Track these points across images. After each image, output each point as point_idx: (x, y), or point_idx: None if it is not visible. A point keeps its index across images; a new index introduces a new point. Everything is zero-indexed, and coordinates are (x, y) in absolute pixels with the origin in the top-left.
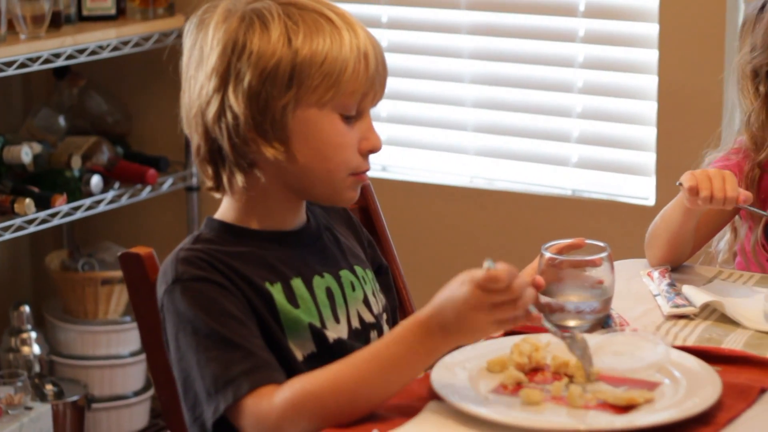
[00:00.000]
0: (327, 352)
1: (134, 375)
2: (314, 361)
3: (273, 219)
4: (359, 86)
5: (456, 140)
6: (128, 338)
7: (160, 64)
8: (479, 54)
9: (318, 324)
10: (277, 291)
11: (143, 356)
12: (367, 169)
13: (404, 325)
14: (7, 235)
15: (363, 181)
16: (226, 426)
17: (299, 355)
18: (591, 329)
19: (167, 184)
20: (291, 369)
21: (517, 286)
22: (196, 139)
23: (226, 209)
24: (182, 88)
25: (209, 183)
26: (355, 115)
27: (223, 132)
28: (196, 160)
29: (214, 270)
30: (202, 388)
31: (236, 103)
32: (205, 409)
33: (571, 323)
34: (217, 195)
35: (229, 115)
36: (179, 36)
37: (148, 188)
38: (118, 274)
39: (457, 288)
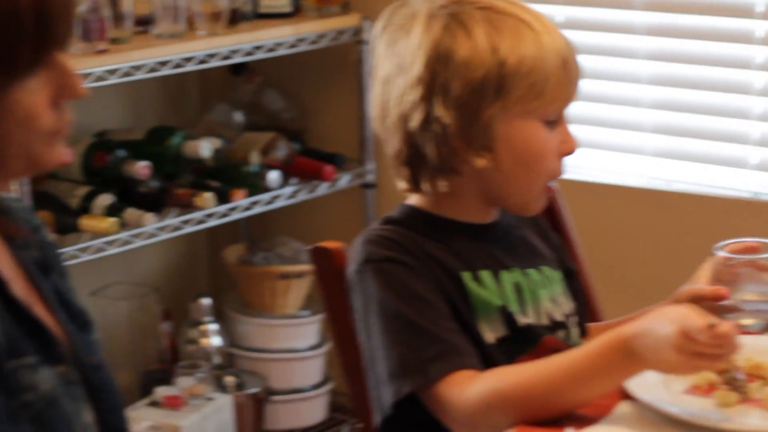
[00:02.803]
0: (518, 335)
1: (312, 368)
2: (506, 345)
3: (465, 212)
4: (562, 92)
5: (634, 141)
6: (307, 332)
7: (336, 62)
8: (656, 55)
9: (508, 309)
10: (466, 276)
11: (322, 350)
12: (562, 173)
13: (605, 339)
14: (188, 229)
15: (550, 189)
16: (408, 410)
17: (491, 337)
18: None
19: (344, 180)
20: (482, 351)
21: (726, 343)
22: (395, 144)
23: (418, 198)
24: (373, 89)
25: (405, 185)
26: (555, 119)
27: (428, 140)
28: (395, 163)
29: (405, 251)
30: (384, 369)
31: (443, 113)
32: (384, 390)
33: (747, 322)
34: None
35: (435, 125)
36: (355, 34)
37: (325, 184)
38: (296, 268)
39: (664, 324)
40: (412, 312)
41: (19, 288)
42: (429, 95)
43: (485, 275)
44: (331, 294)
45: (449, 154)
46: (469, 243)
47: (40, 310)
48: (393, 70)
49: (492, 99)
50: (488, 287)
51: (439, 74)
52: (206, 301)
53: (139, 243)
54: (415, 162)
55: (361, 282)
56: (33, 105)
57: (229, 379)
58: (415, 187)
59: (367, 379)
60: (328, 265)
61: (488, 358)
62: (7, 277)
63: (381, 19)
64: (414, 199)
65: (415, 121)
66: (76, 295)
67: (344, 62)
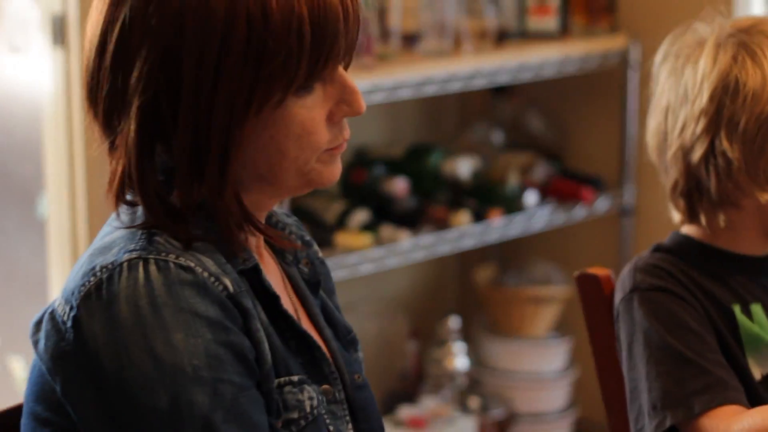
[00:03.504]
0: None
1: (558, 393)
2: None
3: (741, 244)
4: None
5: None
6: (554, 356)
7: (599, 83)
8: None
9: None
10: (736, 309)
11: (569, 375)
12: None
13: None
14: (443, 247)
15: None
16: None
17: (757, 374)
18: None
19: (602, 204)
20: (747, 389)
21: None
22: (673, 175)
23: (692, 228)
24: (652, 118)
25: (680, 216)
26: None
27: (711, 174)
28: (671, 194)
29: (674, 280)
30: (647, 400)
31: (728, 148)
32: (647, 422)
33: None
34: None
35: (719, 158)
36: (621, 57)
37: (582, 208)
38: (547, 291)
39: None
40: (679, 343)
41: (288, 304)
42: (714, 128)
43: (757, 309)
44: (595, 322)
45: (732, 188)
46: (743, 276)
47: (307, 327)
48: (676, 100)
49: None
50: (759, 322)
51: (725, 106)
52: (454, 321)
53: (393, 261)
54: (694, 194)
55: (627, 310)
56: (309, 120)
57: (474, 401)
58: (691, 219)
59: (628, 410)
60: (594, 292)
61: (754, 395)
62: (277, 291)
63: (663, 46)
64: (687, 229)
65: (698, 153)
66: (342, 313)
67: (608, 84)
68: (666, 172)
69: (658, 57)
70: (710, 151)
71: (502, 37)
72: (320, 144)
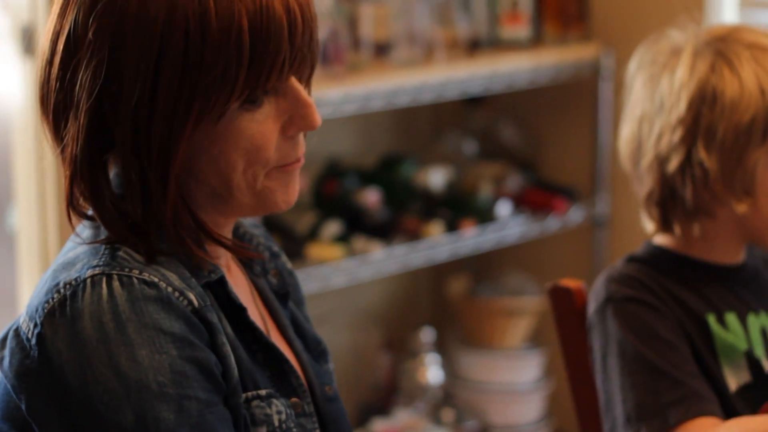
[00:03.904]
0: (763, 383)
1: (533, 405)
2: (748, 392)
3: (715, 253)
4: None
5: None
6: (528, 367)
7: (572, 93)
8: None
9: (754, 354)
10: (711, 319)
11: (543, 386)
12: None
13: None
14: (416, 259)
15: None
16: None
17: (732, 385)
18: None
19: (575, 215)
20: (722, 400)
21: None
22: (648, 184)
23: (665, 238)
24: (626, 127)
25: (653, 226)
26: None
27: (687, 183)
28: (645, 204)
29: (648, 291)
30: (621, 412)
31: (705, 157)
32: None
33: None
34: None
35: (696, 168)
36: (594, 66)
37: (555, 218)
38: (521, 302)
39: None
40: (653, 354)
41: (256, 316)
42: (691, 137)
43: (731, 318)
44: (568, 333)
45: (709, 198)
46: (717, 285)
47: (276, 339)
48: (652, 109)
49: (758, 143)
50: (734, 331)
51: (703, 116)
52: (427, 333)
53: (366, 272)
54: (668, 204)
55: (601, 321)
56: (259, 134)
57: (448, 413)
58: (665, 228)
59: (603, 421)
60: (566, 304)
61: (729, 406)
62: (245, 303)
63: (637, 54)
64: (660, 239)
65: (674, 163)
66: (311, 324)
67: (580, 94)
68: (640, 181)
69: (633, 65)
70: (687, 161)
71: (475, 46)
72: (269, 159)
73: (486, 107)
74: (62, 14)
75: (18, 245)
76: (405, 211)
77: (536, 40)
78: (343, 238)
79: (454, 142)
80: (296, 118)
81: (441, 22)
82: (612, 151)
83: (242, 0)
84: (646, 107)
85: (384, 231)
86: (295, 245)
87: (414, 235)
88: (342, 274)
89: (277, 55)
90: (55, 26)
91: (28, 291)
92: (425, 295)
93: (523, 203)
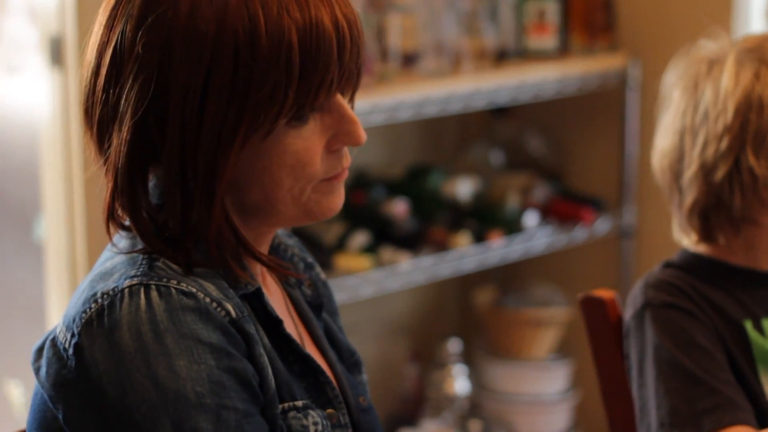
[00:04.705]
0: None
1: (559, 415)
2: None
3: (753, 259)
4: None
5: None
6: (555, 378)
7: (599, 103)
8: None
9: None
10: (748, 325)
11: (570, 397)
12: None
13: None
14: (443, 269)
15: None
16: None
17: None
18: None
19: (602, 225)
20: (757, 407)
21: None
22: (692, 195)
23: (701, 245)
24: (663, 139)
25: (694, 236)
26: None
27: (735, 191)
28: (688, 215)
29: (686, 297)
30: (655, 418)
31: (756, 164)
32: None
33: None
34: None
35: (745, 175)
36: (620, 76)
37: (582, 229)
38: (548, 313)
39: None
40: (689, 361)
41: (291, 327)
42: (739, 145)
43: None
44: (600, 344)
45: (758, 204)
46: (755, 291)
47: (311, 350)
48: (695, 120)
49: None
50: None
51: (751, 122)
52: (454, 344)
53: (393, 283)
54: (712, 213)
55: (638, 327)
56: (304, 150)
57: (475, 424)
58: (706, 238)
59: (638, 427)
60: (599, 315)
61: (764, 414)
62: (280, 315)
63: (673, 67)
64: (697, 247)
65: (721, 171)
66: (345, 335)
67: (607, 104)
68: (680, 193)
69: (670, 77)
70: (734, 168)
71: (502, 56)
72: (315, 175)
73: (513, 118)
74: (109, 25)
75: (46, 255)
76: (432, 222)
77: (563, 51)
78: (370, 249)
79: (482, 153)
80: (341, 135)
81: (468, 33)
82: (639, 162)
83: (291, 16)
84: (688, 118)
85: (411, 242)
86: (323, 256)
87: (441, 246)
88: (369, 285)
89: (326, 72)
90: (101, 37)
91: (56, 301)
92: (452, 306)
93: (550, 214)
